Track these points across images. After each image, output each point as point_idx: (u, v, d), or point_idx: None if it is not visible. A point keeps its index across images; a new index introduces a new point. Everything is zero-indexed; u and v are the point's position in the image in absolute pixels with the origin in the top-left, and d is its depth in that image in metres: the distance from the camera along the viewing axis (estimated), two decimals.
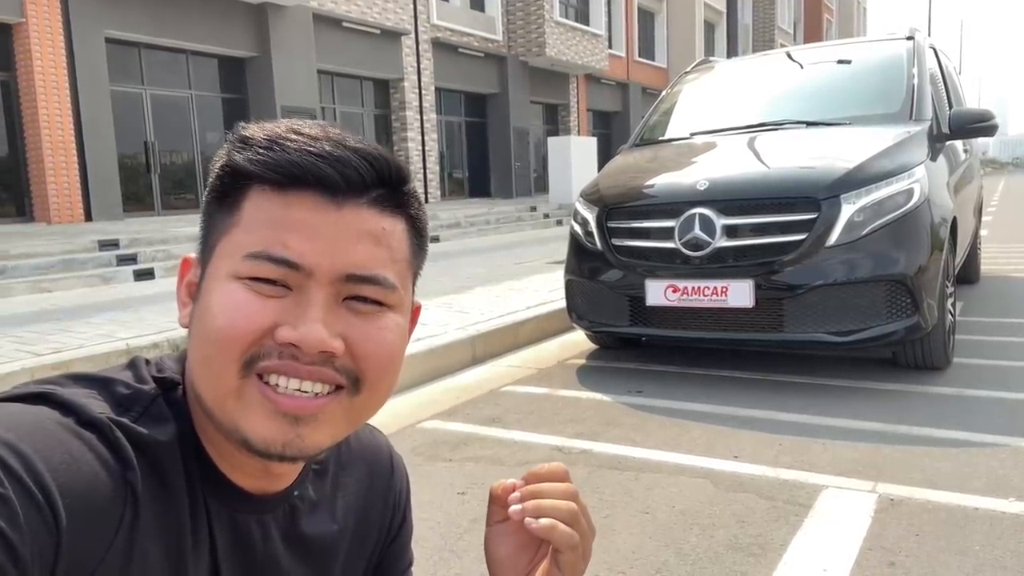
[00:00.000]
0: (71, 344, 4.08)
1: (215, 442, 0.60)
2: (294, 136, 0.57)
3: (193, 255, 0.63)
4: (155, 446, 0.56)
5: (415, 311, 0.67)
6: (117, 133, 11.35)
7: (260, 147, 0.57)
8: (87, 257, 7.49)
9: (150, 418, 0.57)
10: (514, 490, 0.66)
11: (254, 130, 0.58)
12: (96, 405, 0.55)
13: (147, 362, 0.63)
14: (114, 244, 7.95)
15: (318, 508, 0.70)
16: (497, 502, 0.67)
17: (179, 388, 0.61)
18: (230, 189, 0.58)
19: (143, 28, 11.67)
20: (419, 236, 0.64)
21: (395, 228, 0.60)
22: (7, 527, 0.45)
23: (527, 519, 0.63)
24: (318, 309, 0.55)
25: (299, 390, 0.56)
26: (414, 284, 0.65)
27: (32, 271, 6.96)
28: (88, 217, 10.93)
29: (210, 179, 0.60)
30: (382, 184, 0.59)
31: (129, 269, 7.44)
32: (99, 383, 0.58)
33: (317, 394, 0.57)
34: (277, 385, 0.56)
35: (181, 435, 0.59)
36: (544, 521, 0.63)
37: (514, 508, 0.64)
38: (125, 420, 0.55)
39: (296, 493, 0.67)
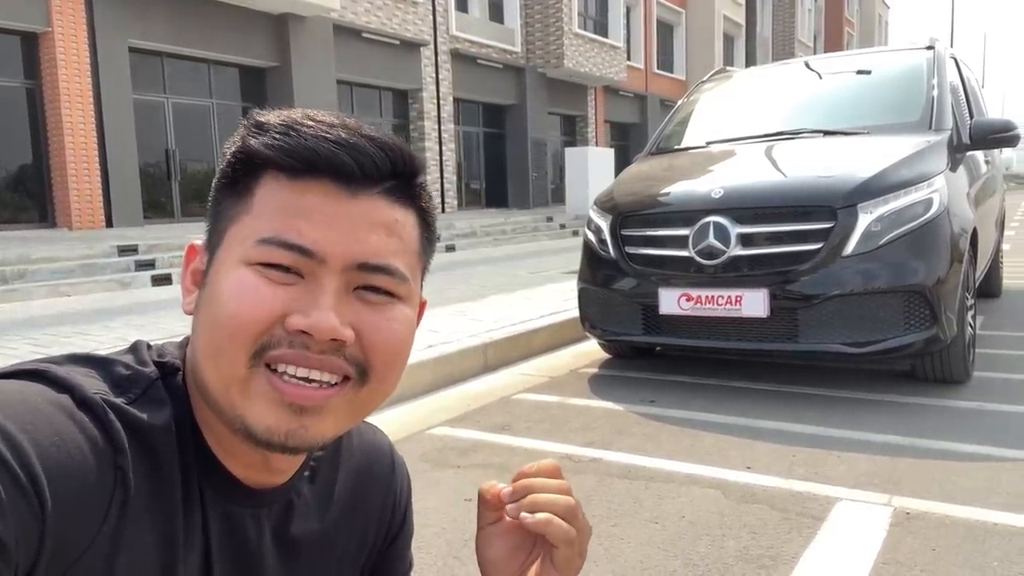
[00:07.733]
0: (86, 347, 4.11)
1: (214, 430, 0.59)
2: (310, 123, 0.57)
3: (199, 242, 0.62)
4: (150, 430, 0.55)
5: (421, 306, 0.66)
6: (139, 141, 11.50)
7: (276, 132, 0.56)
8: (106, 262, 7.58)
9: (147, 401, 0.56)
10: (502, 494, 0.64)
11: (269, 116, 0.58)
12: (93, 385, 0.54)
13: (149, 346, 0.62)
14: (133, 250, 8.03)
15: (314, 507, 0.68)
16: (486, 504, 0.66)
17: (179, 374, 0.60)
18: (242, 175, 0.57)
19: (166, 38, 11.83)
20: (428, 230, 0.63)
21: (407, 220, 0.60)
22: None
23: (523, 514, 0.62)
24: (330, 297, 0.54)
25: (307, 379, 0.55)
26: (423, 279, 0.64)
27: (52, 275, 7.05)
28: (109, 223, 11.07)
29: (221, 165, 0.60)
30: (395, 175, 0.58)
31: (147, 274, 7.52)
32: (98, 363, 0.57)
33: (323, 384, 0.56)
34: (284, 373, 0.55)
35: (178, 421, 0.57)
36: (540, 515, 0.61)
37: (511, 506, 0.63)
38: (120, 402, 0.54)
39: (293, 490, 0.66)
